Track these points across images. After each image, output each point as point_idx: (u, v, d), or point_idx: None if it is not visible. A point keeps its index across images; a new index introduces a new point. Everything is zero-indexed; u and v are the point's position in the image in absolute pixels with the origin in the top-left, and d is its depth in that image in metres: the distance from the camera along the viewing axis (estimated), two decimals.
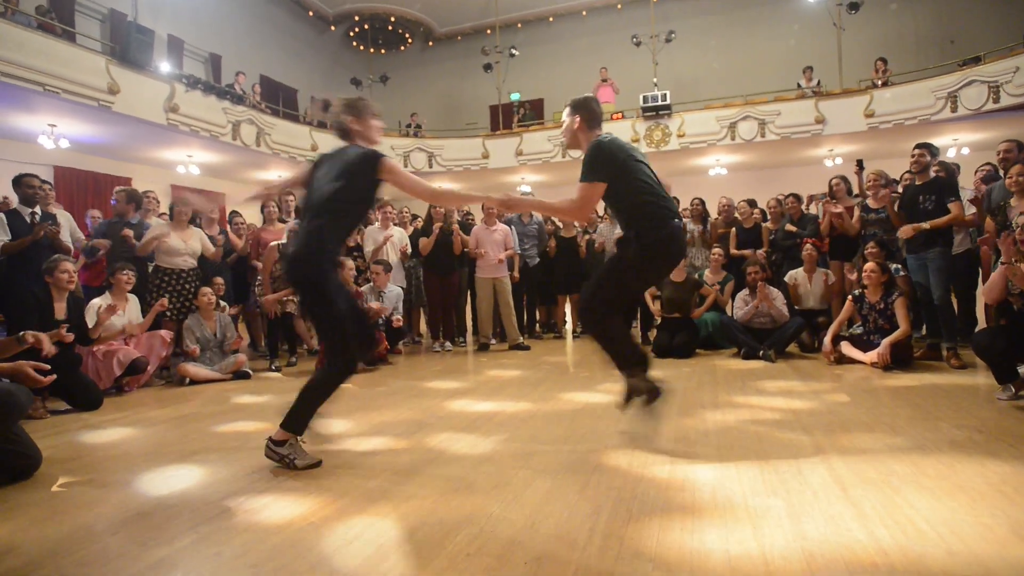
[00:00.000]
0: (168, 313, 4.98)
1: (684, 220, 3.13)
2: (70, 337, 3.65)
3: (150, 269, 5.22)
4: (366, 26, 15.97)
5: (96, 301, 4.48)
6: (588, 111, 2.79)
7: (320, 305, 2.41)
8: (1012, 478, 2.07)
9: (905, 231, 4.45)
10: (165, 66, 10.46)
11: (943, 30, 13.17)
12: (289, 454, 2.43)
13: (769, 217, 6.25)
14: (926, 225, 4.35)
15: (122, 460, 2.72)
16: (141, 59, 9.06)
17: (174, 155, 11.10)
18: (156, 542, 1.79)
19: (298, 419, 2.43)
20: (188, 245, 5.16)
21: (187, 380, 4.66)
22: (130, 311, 4.66)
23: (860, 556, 1.56)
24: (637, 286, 3.19)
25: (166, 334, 4.79)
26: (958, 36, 12.76)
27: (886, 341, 4.25)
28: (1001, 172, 4.49)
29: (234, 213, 6.72)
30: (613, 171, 2.65)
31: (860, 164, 6.16)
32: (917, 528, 1.71)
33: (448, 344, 6.32)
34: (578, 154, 2.82)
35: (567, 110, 2.85)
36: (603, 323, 2.72)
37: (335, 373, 2.45)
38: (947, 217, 4.34)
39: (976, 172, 5.22)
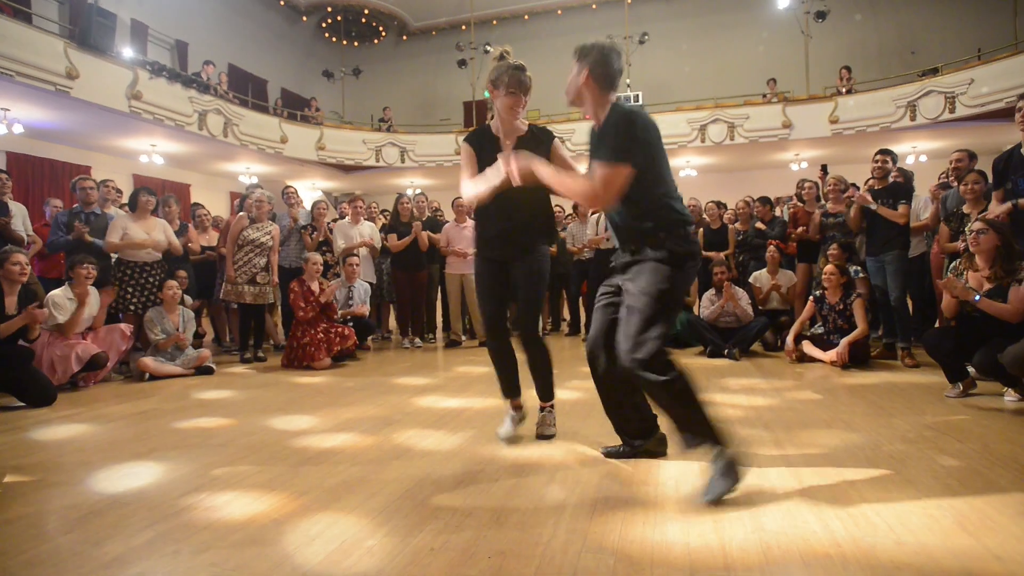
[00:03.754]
0: (131, 307, 4.84)
1: None
2: (43, 314, 3.56)
3: (113, 261, 5.05)
4: (339, 18, 15.73)
5: (56, 293, 4.32)
6: (602, 65, 2.10)
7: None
8: (958, 472, 2.16)
9: (861, 198, 4.60)
10: (128, 52, 10.14)
11: (904, 41, 13.63)
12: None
13: (738, 218, 6.38)
14: (874, 206, 4.52)
15: (76, 457, 2.63)
16: (102, 43, 8.75)
17: (137, 144, 10.76)
18: (111, 541, 1.74)
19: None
20: (151, 237, 5.00)
21: (147, 375, 4.53)
22: (91, 305, 4.50)
23: (815, 547, 1.61)
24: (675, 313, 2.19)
25: (126, 328, 4.65)
26: (918, 48, 13.24)
27: (844, 341, 4.39)
28: (953, 181, 4.67)
29: (196, 206, 6.55)
30: (647, 157, 2.05)
31: (824, 169, 6.34)
32: (869, 520, 1.77)
33: (417, 340, 6.28)
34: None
35: (574, 56, 2.19)
36: (674, 378, 2.00)
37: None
38: (893, 214, 4.51)
39: (939, 178, 5.45)
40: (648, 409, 2.39)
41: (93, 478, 2.32)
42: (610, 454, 2.44)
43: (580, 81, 2.15)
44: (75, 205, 5.45)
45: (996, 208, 3.59)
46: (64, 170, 10.36)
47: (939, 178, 5.48)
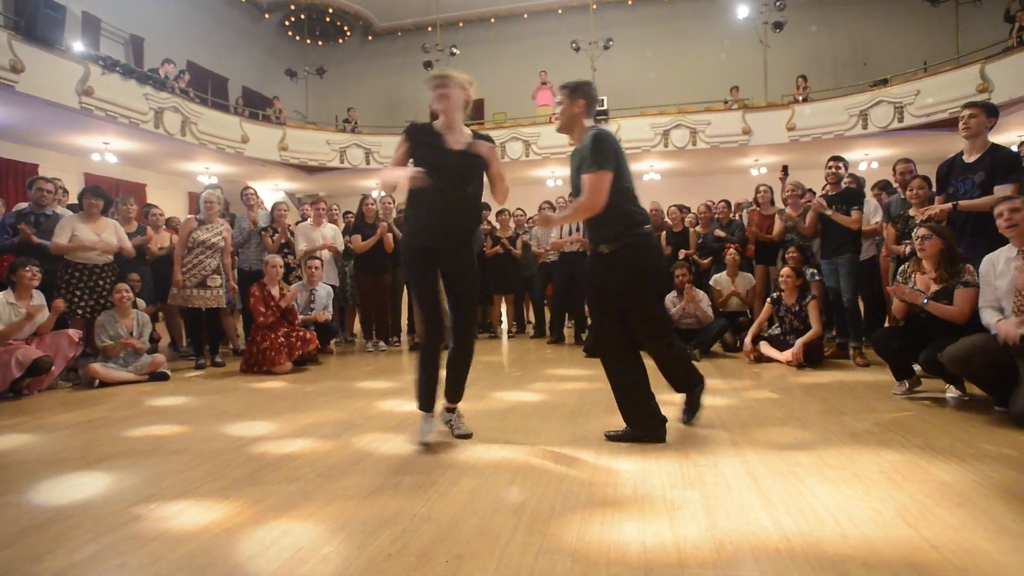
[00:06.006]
0: (79, 311, 4.65)
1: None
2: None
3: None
4: (302, 16, 15.46)
5: None
6: (589, 97, 2.67)
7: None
8: (901, 466, 2.25)
9: (817, 204, 4.76)
10: (79, 45, 9.75)
11: (857, 53, 14.17)
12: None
13: (700, 222, 6.52)
14: (828, 212, 4.69)
15: (16, 469, 2.51)
16: (50, 36, 8.39)
17: (88, 141, 10.34)
18: (51, 555, 1.67)
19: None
20: (102, 239, 4.81)
21: (97, 382, 4.36)
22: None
23: (765, 543, 1.66)
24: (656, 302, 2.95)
25: (74, 333, 4.45)
26: (870, 59, 13.78)
27: (799, 341, 4.53)
28: (898, 187, 4.89)
29: (150, 206, 6.34)
30: (618, 166, 2.55)
31: (785, 170, 6.54)
32: (817, 515, 1.83)
33: (382, 344, 6.21)
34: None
35: (564, 92, 2.68)
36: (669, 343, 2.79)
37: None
38: (846, 220, 4.68)
39: (880, 183, 5.71)
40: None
41: (34, 490, 2.22)
42: (612, 437, 2.70)
43: (576, 111, 2.66)
44: (22, 205, 5.21)
45: (936, 207, 3.76)
46: (8, 168, 9.90)
47: (879, 183, 5.75)
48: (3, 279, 4.61)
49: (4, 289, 4.27)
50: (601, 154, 2.50)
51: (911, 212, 4.37)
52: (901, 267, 3.78)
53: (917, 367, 3.46)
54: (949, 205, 3.68)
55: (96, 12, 11.31)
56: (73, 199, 6.05)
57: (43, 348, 4.20)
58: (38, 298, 4.35)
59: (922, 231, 3.42)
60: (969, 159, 3.75)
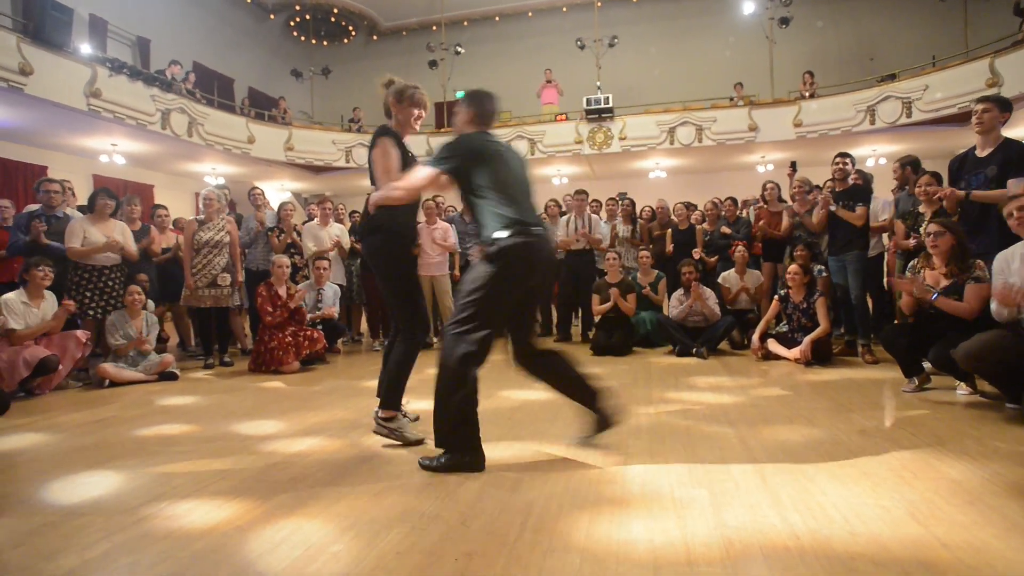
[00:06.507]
0: (90, 311, 4.69)
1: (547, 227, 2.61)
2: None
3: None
4: (307, 16, 15.48)
5: (10, 296, 4.16)
6: (478, 106, 2.56)
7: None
8: (910, 463, 2.24)
9: (825, 200, 4.74)
10: (86, 48, 9.79)
11: (864, 48, 14.07)
12: (397, 428, 2.65)
13: (706, 219, 6.50)
14: (833, 208, 4.68)
15: (28, 468, 2.53)
16: (58, 39, 8.44)
17: (97, 143, 10.40)
18: (64, 554, 1.69)
19: (393, 395, 2.68)
20: (112, 239, 4.85)
21: (107, 382, 4.39)
22: (46, 309, 4.34)
23: (774, 541, 1.65)
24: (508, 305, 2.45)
25: (82, 334, 4.48)
26: (877, 54, 13.67)
27: (807, 339, 4.51)
28: (898, 188, 4.95)
29: (157, 206, 6.38)
30: (465, 170, 2.42)
31: (794, 165, 6.50)
32: (826, 513, 1.82)
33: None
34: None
35: (462, 100, 2.67)
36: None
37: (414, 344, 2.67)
38: (851, 216, 4.66)
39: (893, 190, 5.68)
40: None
41: (46, 489, 2.24)
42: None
43: (462, 119, 2.59)
44: (33, 207, 5.25)
45: (947, 190, 3.75)
46: (18, 170, 9.96)
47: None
48: (15, 279, 4.66)
49: (16, 289, 4.32)
50: (441, 153, 2.42)
51: (920, 209, 4.34)
52: (910, 263, 3.75)
53: (927, 364, 3.44)
54: (961, 192, 3.66)
55: (103, 14, 11.36)
56: (82, 200, 6.10)
57: (50, 348, 4.23)
58: (49, 298, 4.39)
59: (933, 227, 3.40)
60: (982, 153, 3.73)
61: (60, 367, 4.20)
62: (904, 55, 12.75)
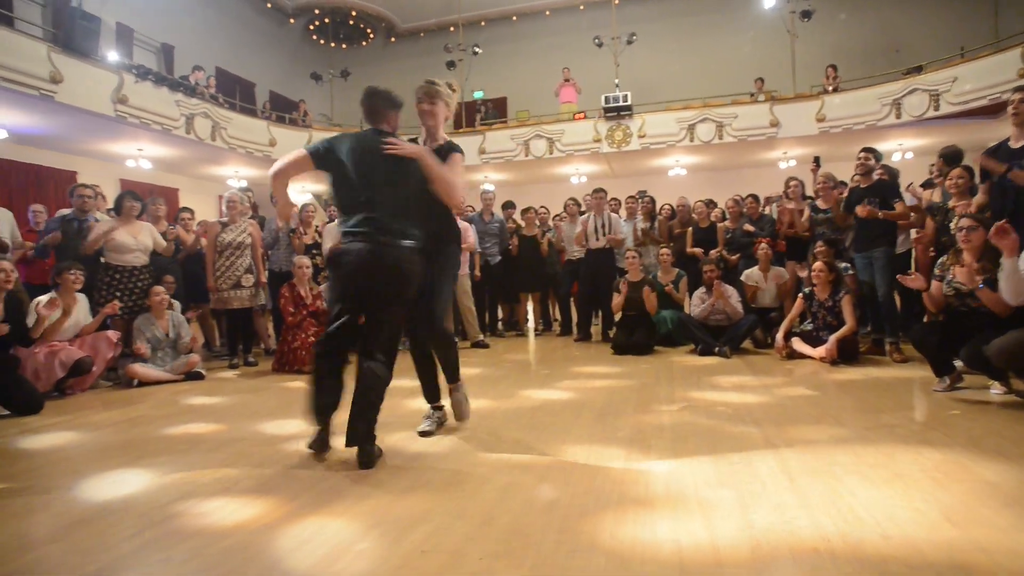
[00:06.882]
0: (119, 312, 4.79)
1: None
2: (4, 328, 3.54)
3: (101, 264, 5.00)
4: (326, 20, 15.66)
5: (42, 299, 4.27)
6: (366, 105, 2.71)
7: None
8: (943, 465, 2.18)
9: (861, 210, 4.59)
10: (113, 55, 10.02)
11: (888, 40, 13.76)
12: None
13: (728, 217, 6.42)
14: (879, 213, 4.52)
15: (63, 466, 2.60)
16: (86, 47, 8.65)
17: (123, 148, 10.65)
18: (98, 549, 1.72)
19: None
20: (138, 241, 4.96)
21: (136, 382, 4.49)
22: (79, 311, 4.46)
23: (803, 543, 1.63)
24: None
25: (112, 335, 4.59)
26: (902, 46, 13.36)
27: (833, 337, 4.42)
28: (938, 179, 4.79)
29: (183, 209, 6.50)
30: (327, 158, 2.55)
31: (817, 161, 6.39)
32: (856, 515, 1.78)
33: (408, 343, 6.24)
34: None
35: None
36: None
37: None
38: (897, 212, 4.54)
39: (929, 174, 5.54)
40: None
41: (80, 486, 2.30)
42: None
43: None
44: (65, 211, 5.39)
45: (991, 164, 3.65)
46: (49, 176, 10.23)
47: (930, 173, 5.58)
48: (48, 282, 4.79)
49: (48, 291, 4.44)
50: (317, 142, 2.62)
51: (950, 204, 4.24)
52: (939, 260, 3.66)
53: (958, 363, 3.35)
54: (1002, 166, 3.55)
55: (129, 22, 11.61)
56: (109, 204, 6.24)
57: (83, 349, 4.34)
58: (81, 300, 4.51)
59: (966, 221, 3.31)
60: (1016, 144, 3.63)
61: (94, 368, 4.30)
62: (931, 46, 12.43)
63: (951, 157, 4.80)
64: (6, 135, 8.88)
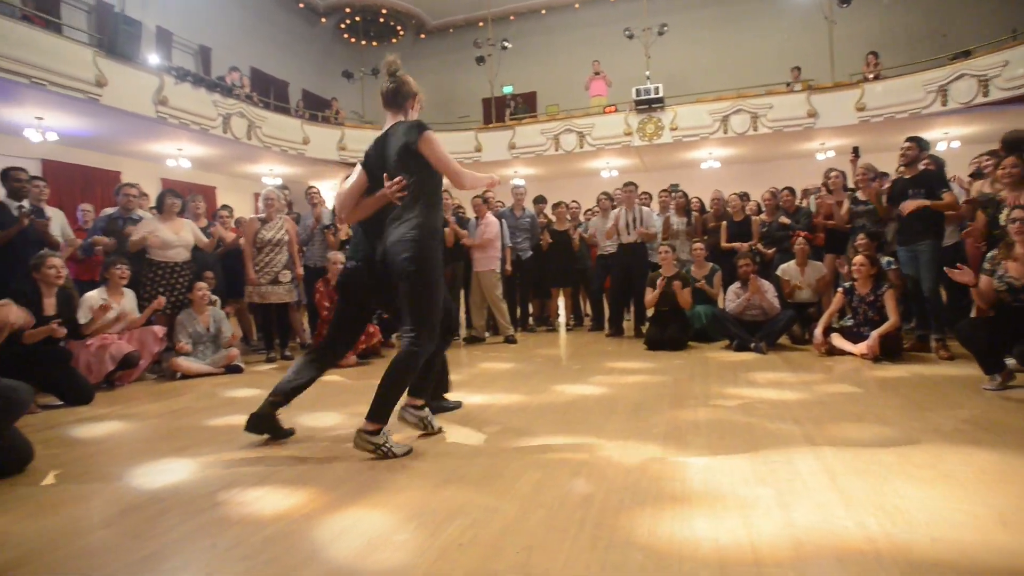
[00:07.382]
0: (163, 308, 4.96)
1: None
2: (62, 332, 3.70)
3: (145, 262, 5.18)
4: (357, 18, 15.85)
5: (92, 294, 4.46)
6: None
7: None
8: (995, 467, 2.10)
9: (907, 206, 4.43)
10: (154, 58, 10.34)
11: (934, 24, 13.22)
12: (384, 443, 2.48)
13: (764, 210, 6.28)
14: (927, 202, 4.36)
15: (114, 454, 2.71)
16: (129, 51, 8.95)
17: (164, 148, 11.00)
18: (149, 535, 1.79)
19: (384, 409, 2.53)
20: (180, 237, 5.11)
21: (179, 375, 4.64)
22: (125, 306, 4.64)
23: (848, 543, 1.59)
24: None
25: (159, 330, 4.76)
26: (949, 30, 12.82)
27: (875, 333, 4.29)
28: (983, 168, 4.57)
29: (222, 207, 6.67)
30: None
31: (856, 151, 6.18)
32: (903, 516, 1.73)
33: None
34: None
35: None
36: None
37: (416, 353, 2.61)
38: (945, 202, 4.36)
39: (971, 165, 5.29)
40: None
41: (130, 474, 2.39)
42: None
43: None
44: (110, 210, 5.59)
45: None
46: (95, 176, 10.63)
47: (971, 165, 5.33)
48: (96, 278, 4.99)
49: (98, 287, 4.63)
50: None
51: (1002, 195, 4.04)
52: (989, 254, 3.51)
53: (1010, 360, 3.22)
54: None
55: (168, 26, 11.96)
56: (152, 203, 6.44)
57: (131, 343, 4.51)
58: (128, 295, 4.69)
59: (1019, 213, 3.17)
60: None
61: (141, 361, 4.48)
62: (980, 29, 11.88)
63: (1013, 143, 4.55)
64: (56, 137, 9.25)
